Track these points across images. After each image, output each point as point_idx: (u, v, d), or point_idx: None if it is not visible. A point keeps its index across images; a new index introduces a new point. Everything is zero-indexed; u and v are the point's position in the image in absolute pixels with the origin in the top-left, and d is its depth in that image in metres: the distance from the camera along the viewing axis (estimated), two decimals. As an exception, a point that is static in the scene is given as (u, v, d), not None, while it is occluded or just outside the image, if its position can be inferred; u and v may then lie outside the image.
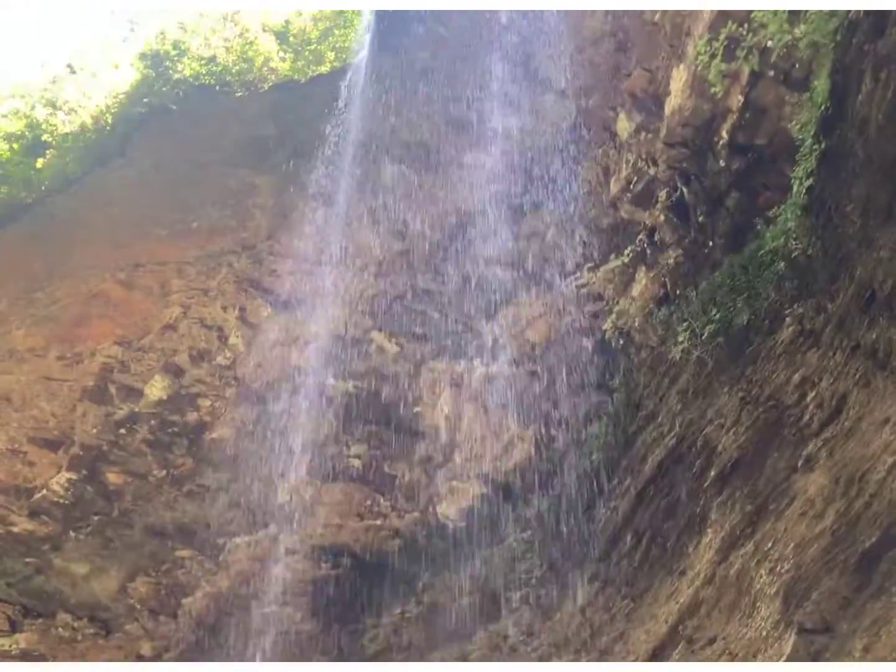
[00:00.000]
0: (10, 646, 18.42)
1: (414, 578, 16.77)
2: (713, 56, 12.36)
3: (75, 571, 18.76)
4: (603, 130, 16.02)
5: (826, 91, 9.68)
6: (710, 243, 13.78)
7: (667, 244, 14.48)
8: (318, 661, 17.10)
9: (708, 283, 13.06)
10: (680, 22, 13.94)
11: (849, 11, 9.24)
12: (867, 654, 8.56)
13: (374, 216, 18.07)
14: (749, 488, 11.28)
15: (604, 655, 13.23)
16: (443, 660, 15.60)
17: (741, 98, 13.02)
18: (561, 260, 16.52)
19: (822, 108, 9.78)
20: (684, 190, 14.17)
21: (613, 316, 15.06)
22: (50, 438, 18.76)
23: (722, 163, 13.63)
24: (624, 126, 15.34)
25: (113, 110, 19.85)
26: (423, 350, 17.80)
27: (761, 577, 10.60)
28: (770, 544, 10.64)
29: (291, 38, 21.28)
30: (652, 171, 14.76)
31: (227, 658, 17.44)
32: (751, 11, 11.68)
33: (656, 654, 12.13)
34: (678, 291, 13.95)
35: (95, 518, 18.67)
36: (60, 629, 18.61)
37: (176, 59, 20.02)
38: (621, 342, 15.05)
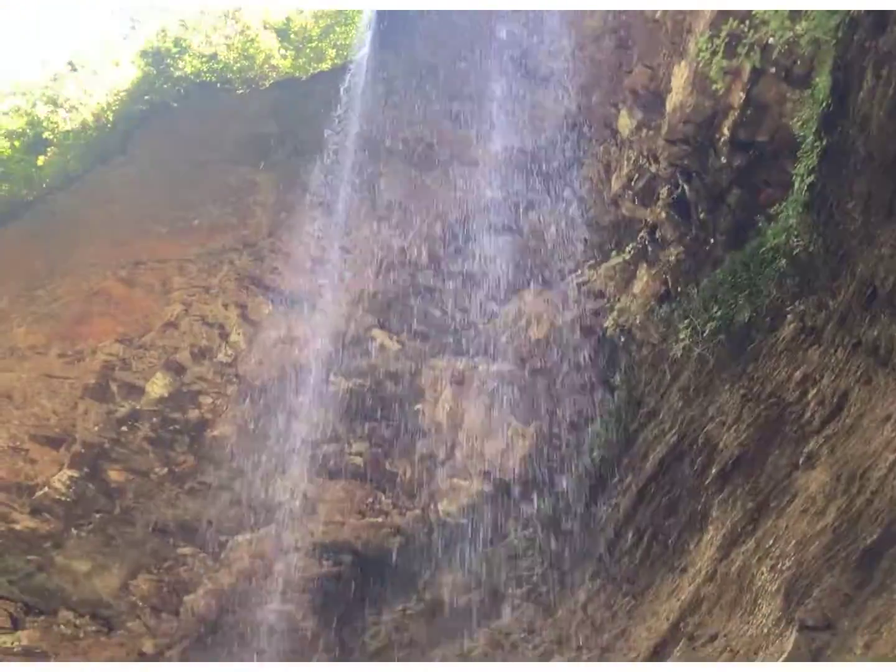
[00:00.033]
0: (13, 643, 18.43)
1: (415, 576, 16.77)
2: (714, 53, 12.35)
3: (77, 569, 18.77)
4: (604, 127, 16.01)
5: (827, 88, 9.67)
6: (712, 240, 13.77)
7: (668, 241, 14.48)
8: (319, 658, 17.12)
9: (709, 281, 13.05)
10: (681, 19, 13.94)
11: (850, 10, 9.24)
12: (868, 651, 8.56)
13: (375, 213, 18.08)
14: (750, 485, 11.28)
15: (605, 653, 13.24)
16: (444, 657, 15.61)
17: (742, 95, 13.01)
18: (562, 257, 16.52)
19: (824, 104, 9.77)
20: (685, 187, 14.16)
21: (615, 313, 15.06)
22: (51, 436, 18.77)
23: (723, 159, 13.63)
24: (625, 123, 15.33)
25: (114, 108, 19.85)
26: (425, 348, 17.80)
27: (762, 574, 10.60)
28: (771, 541, 10.64)
29: (292, 36, 21.27)
30: (653, 168, 14.75)
31: (229, 655, 17.46)
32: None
33: (657, 652, 12.14)
34: (679, 288, 13.95)
35: (97, 516, 18.69)
36: (62, 626, 18.62)
37: (177, 56, 20.01)
38: (622, 339, 15.05)
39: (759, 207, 12.89)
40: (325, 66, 20.52)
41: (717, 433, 12.04)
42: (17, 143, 20.39)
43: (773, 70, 12.56)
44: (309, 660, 17.02)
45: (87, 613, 18.70)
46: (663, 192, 14.51)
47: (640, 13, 14.74)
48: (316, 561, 17.67)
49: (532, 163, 17.00)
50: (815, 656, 9.12)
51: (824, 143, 9.82)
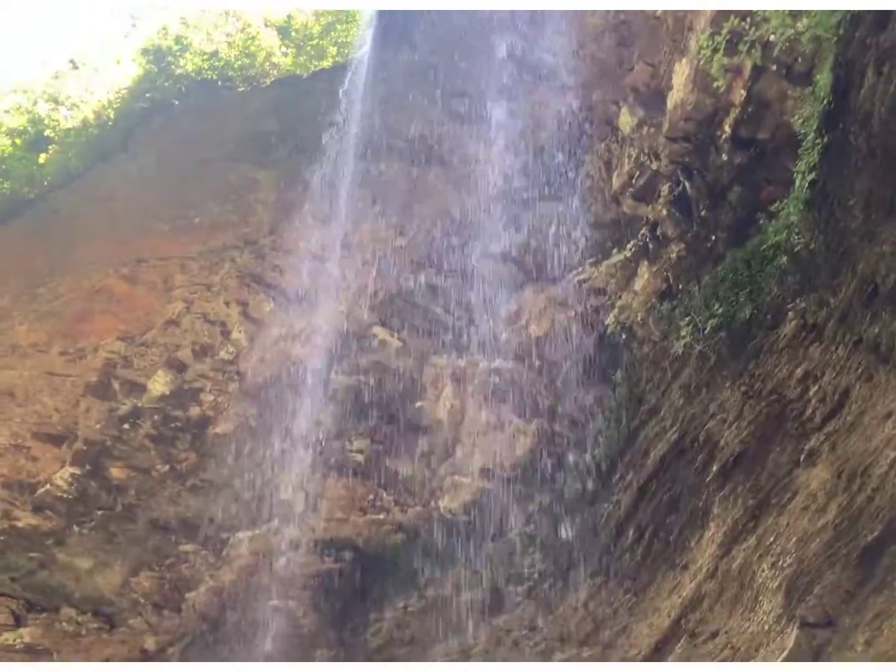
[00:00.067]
0: (15, 640, 18.47)
1: (416, 573, 16.79)
2: (716, 50, 12.35)
3: (79, 566, 18.81)
4: (605, 125, 16.00)
5: (829, 85, 9.67)
6: (713, 238, 13.77)
7: (669, 239, 14.48)
8: (320, 655, 17.15)
9: (710, 278, 13.06)
10: (682, 16, 13.93)
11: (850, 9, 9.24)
12: (869, 648, 8.58)
13: (375, 211, 18.08)
14: (751, 483, 11.30)
15: (607, 649, 13.26)
16: (445, 654, 15.63)
17: (744, 92, 13.00)
18: (563, 254, 16.51)
19: (825, 102, 9.77)
20: (686, 184, 14.16)
21: (616, 310, 15.05)
22: (53, 433, 18.80)
23: (724, 157, 13.62)
24: (626, 120, 15.32)
25: (115, 105, 19.82)
26: (426, 345, 17.81)
27: (763, 571, 10.63)
28: (772, 538, 10.66)
29: (293, 34, 21.23)
30: (654, 165, 14.75)
31: (231, 652, 17.49)
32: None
33: (659, 648, 12.16)
34: (680, 286, 13.95)
35: (99, 513, 18.72)
36: (64, 624, 18.66)
37: (178, 54, 19.98)
38: (623, 337, 15.06)
39: (760, 205, 12.88)
40: (327, 63, 20.49)
41: (718, 430, 12.05)
42: (18, 141, 20.38)
43: (774, 67, 12.55)
44: (310, 656, 17.06)
45: (89, 611, 18.74)
46: (664, 189, 14.51)
47: (641, 11, 14.73)
48: (317, 558, 17.69)
49: (533, 160, 16.99)
50: (816, 653, 9.15)
51: (825, 140, 9.82)
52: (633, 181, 15.19)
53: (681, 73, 13.95)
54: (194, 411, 18.70)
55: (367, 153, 17.82)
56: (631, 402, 14.37)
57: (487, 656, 15.04)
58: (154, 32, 20.81)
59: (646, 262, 14.86)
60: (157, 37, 20.56)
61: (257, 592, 17.77)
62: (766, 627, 10.28)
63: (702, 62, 12.89)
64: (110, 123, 19.51)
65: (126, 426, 18.65)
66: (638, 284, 14.93)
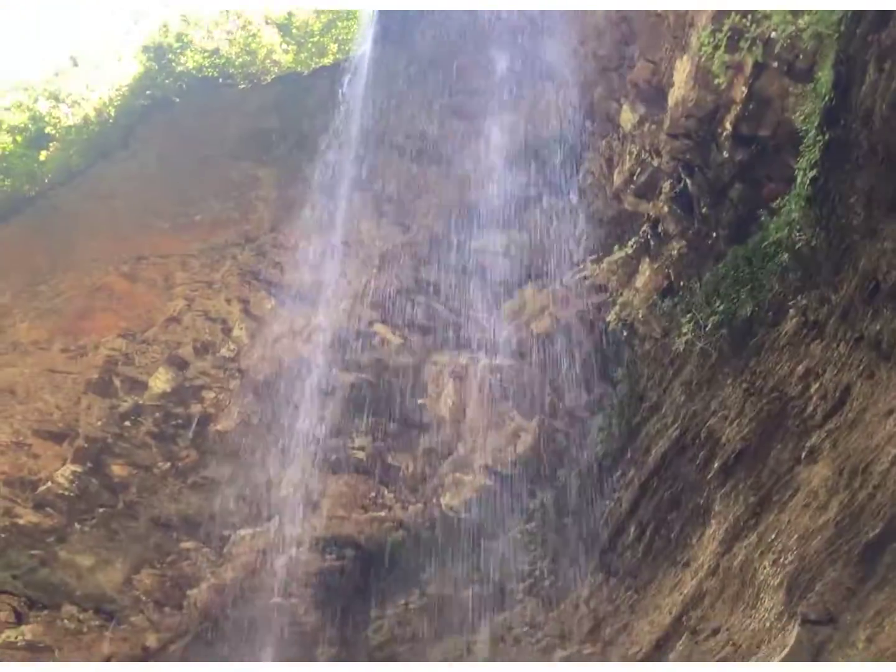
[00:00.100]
0: (17, 637, 18.50)
1: (418, 570, 16.81)
2: (717, 47, 12.35)
3: (80, 563, 18.84)
4: (606, 122, 15.99)
5: (830, 82, 9.65)
6: (714, 235, 13.76)
7: (670, 235, 14.47)
8: (321, 651, 17.17)
9: (712, 275, 13.05)
10: (683, 13, 13.91)
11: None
12: (870, 645, 8.59)
13: (377, 208, 18.07)
14: (753, 480, 11.30)
15: (608, 647, 13.28)
16: (446, 651, 15.65)
17: (745, 89, 12.98)
18: (564, 252, 16.50)
19: (826, 98, 9.75)
20: (688, 181, 14.15)
21: (617, 307, 15.04)
22: (54, 431, 18.81)
23: (725, 154, 13.61)
24: (627, 117, 15.30)
25: (116, 103, 19.81)
26: (427, 342, 17.82)
27: (765, 568, 10.63)
28: (774, 535, 10.66)
29: (294, 31, 21.22)
30: (655, 162, 14.73)
31: (232, 649, 17.50)
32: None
33: (660, 646, 12.18)
34: (682, 283, 13.94)
35: (100, 510, 18.74)
36: (66, 621, 18.68)
37: (179, 51, 19.97)
38: (625, 334, 15.05)
39: (761, 202, 12.87)
40: (327, 60, 20.45)
41: (720, 427, 12.05)
42: (19, 139, 20.38)
43: (775, 64, 12.53)
44: (311, 654, 17.08)
45: (91, 608, 18.77)
46: (665, 186, 14.50)
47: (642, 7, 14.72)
48: (319, 555, 17.71)
49: (534, 157, 16.98)
50: (818, 650, 9.16)
51: (827, 137, 9.80)
52: (635, 178, 15.18)
53: (682, 70, 13.94)
54: (195, 409, 18.71)
55: (367, 150, 17.81)
56: (632, 399, 14.37)
57: (488, 654, 15.05)
58: (155, 29, 20.82)
59: (647, 259, 14.85)
60: (158, 34, 20.55)
61: (259, 590, 17.79)
62: (768, 624, 10.29)
63: (703, 59, 12.88)
64: (111, 121, 19.50)
65: (127, 423, 18.67)
66: (639, 281, 14.92)
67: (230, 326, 18.60)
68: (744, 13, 11.90)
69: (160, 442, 18.71)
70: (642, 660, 12.55)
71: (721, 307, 12.23)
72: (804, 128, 10.81)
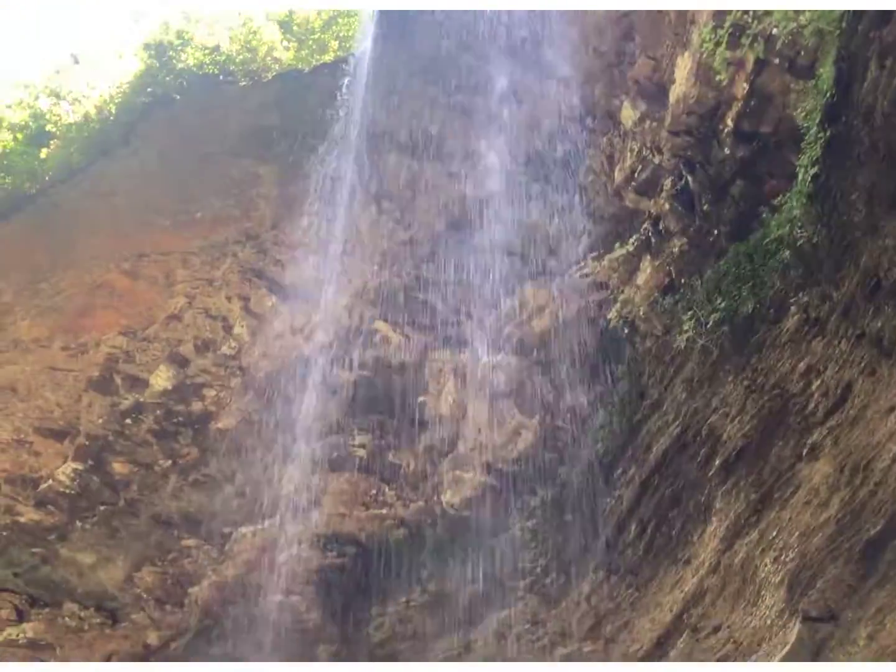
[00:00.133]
0: (18, 635, 18.52)
1: (419, 567, 16.81)
2: (718, 44, 12.33)
3: (82, 561, 18.85)
4: (607, 119, 15.97)
5: (831, 78, 9.64)
6: (715, 232, 13.75)
7: (671, 233, 14.45)
8: (323, 649, 17.18)
9: (713, 272, 13.04)
10: (685, 10, 13.88)
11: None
12: (871, 643, 8.58)
13: (378, 206, 18.05)
14: (754, 477, 11.30)
15: (609, 644, 13.28)
16: (447, 649, 15.66)
17: (746, 86, 12.97)
18: (565, 249, 16.49)
19: (828, 95, 9.74)
20: (689, 178, 14.13)
21: (618, 305, 15.03)
22: (56, 429, 18.82)
23: (727, 151, 13.59)
24: (628, 114, 15.28)
25: (116, 100, 19.82)
26: (428, 340, 17.80)
27: (766, 565, 10.63)
28: (775, 533, 10.66)
29: (295, 28, 21.21)
30: (656, 159, 14.72)
31: (233, 647, 17.52)
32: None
33: (661, 643, 12.18)
34: (683, 280, 13.93)
35: (101, 508, 18.75)
36: (67, 619, 18.70)
37: (180, 48, 19.97)
38: (626, 331, 15.04)
39: (762, 198, 12.86)
40: (328, 58, 20.45)
41: (721, 425, 12.04)
42: (20, 136, 20.38)
43: (776, 61, 12.52)
44: (313, 651, 17.09)
45: (92, 606, 18.79)
46: (667, 183, 14.48)
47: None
48: (320, 553, 17.71)
49: (535, 155, 16.97)
50: (819, 647, 9.15)
51: (828, 133, 9.79)
52: (636, 175, 15.16)
53: (683, 67, 13.92)
54: (196, 406, 18.71)
55: (368, 147, 17.80)
56: (633, 396, 14.37)
57: (489, 651, 15.06)
58: (156, 27, 20.83)
59: (648, 257, 14.84)
60: (159, 31, 20.56)
61: (260, 587, 17.80)
62: (769, 622, 10.28)
63: (704, 56, 12.87)
64: (112, 118, 19.50)
65: (128, 421, 18.68)
66: (640, 279, 14.91)
67: (231, 324, 18.60)
68: (745, 10, 11.87)
69: (161, 440, 18.71)
70: (643, 657, 12.56)
71: (722, 304, 12.22)
72: (805, 124, 10.81)
